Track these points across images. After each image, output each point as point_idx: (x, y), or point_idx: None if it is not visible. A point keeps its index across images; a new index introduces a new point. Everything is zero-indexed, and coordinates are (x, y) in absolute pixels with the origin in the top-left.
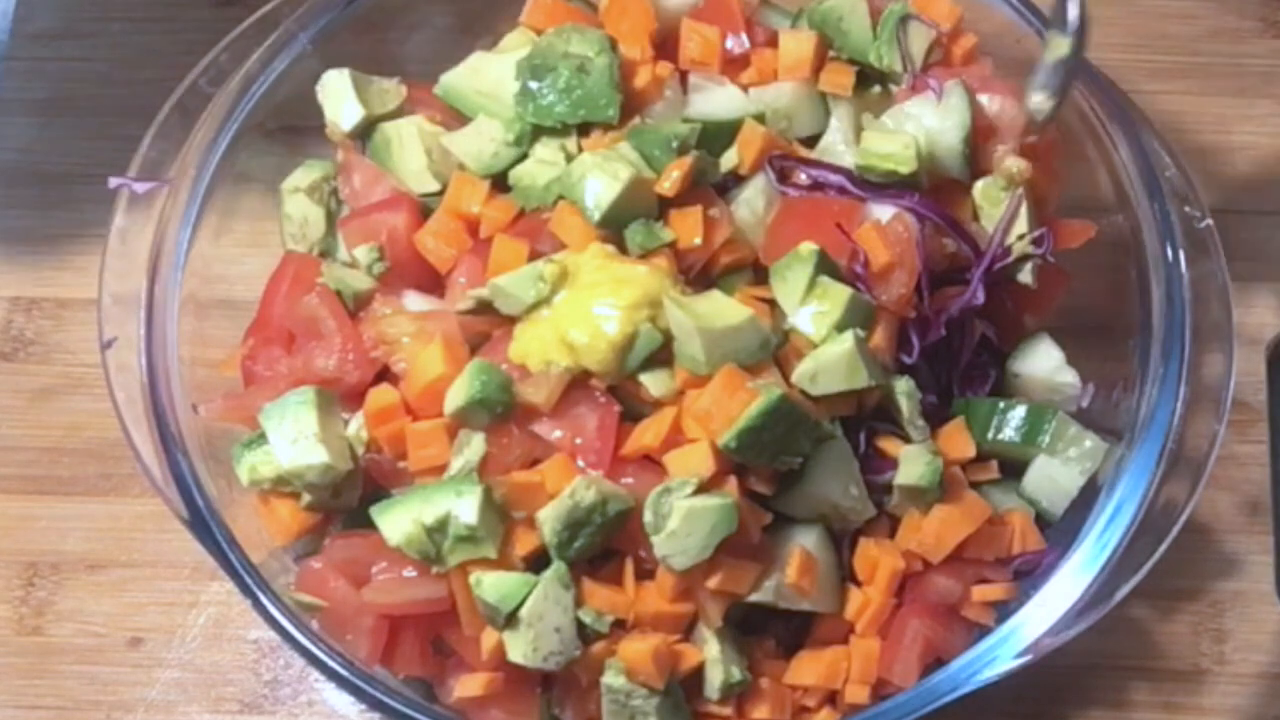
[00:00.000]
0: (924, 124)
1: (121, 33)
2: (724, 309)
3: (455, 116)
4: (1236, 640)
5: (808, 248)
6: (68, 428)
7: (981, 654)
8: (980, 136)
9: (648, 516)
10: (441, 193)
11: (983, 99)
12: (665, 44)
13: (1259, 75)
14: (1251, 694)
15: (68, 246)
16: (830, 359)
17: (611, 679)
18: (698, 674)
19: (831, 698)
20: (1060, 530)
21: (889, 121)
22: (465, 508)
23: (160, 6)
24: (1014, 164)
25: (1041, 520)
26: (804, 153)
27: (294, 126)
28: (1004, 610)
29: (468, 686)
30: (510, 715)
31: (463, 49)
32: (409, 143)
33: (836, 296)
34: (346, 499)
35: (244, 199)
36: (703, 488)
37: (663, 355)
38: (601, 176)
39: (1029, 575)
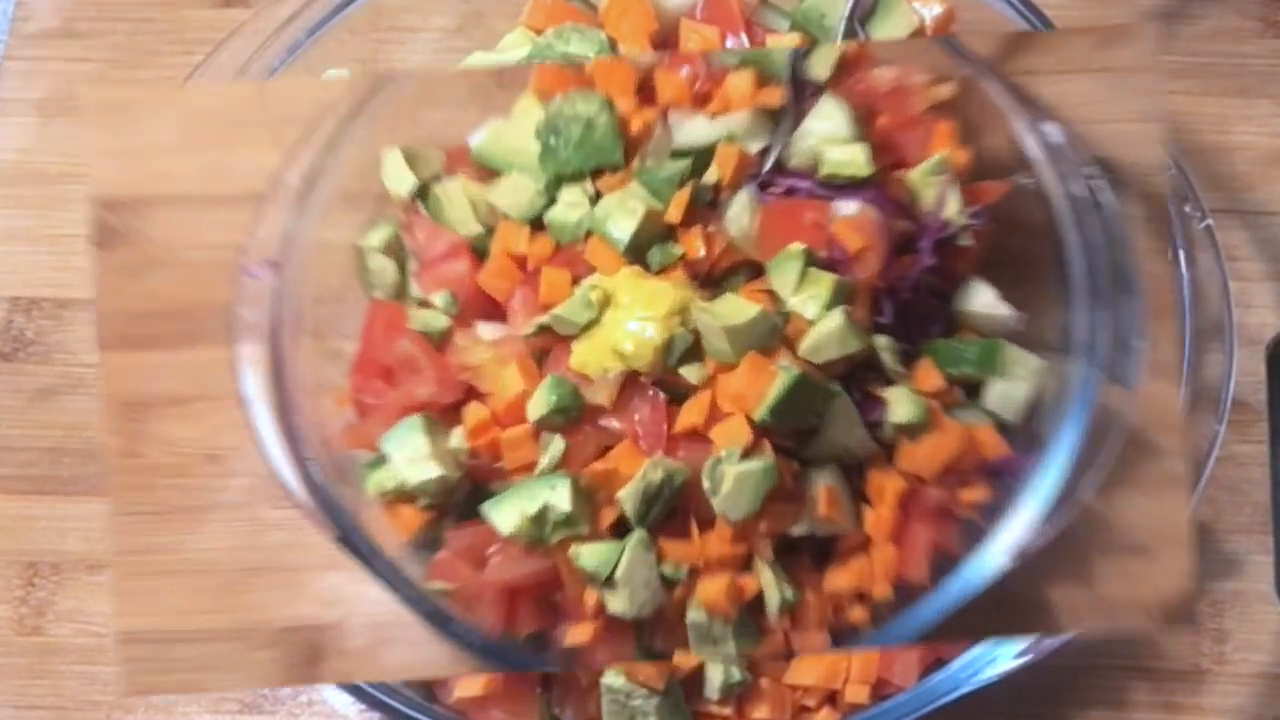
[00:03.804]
0: (820, 133)
1: (121, 33)
2: (739, 307)
3: (489, 172)
4: (1236, 640)
5: (796, 247)
6: (68, 428)
7: (981, 654)
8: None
9: (706, 483)
10: (489, 234)
11: (884, 70)
12: (665, 43)
13: (1259, 75)
14: (1251, 694)
15: (68, 246)
16: (826, 333)
17: (611, 679)
18: (698, 674)
19: (831, 698)
20: (1024, 441)
21: (794, 144)
22: (560, 498)
23: (160, 6)
24: (942, 89)
25: (1005, 431)
26: None
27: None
28: (992, 512)
29: (467, 687)
30: (510, 715)
31: (462, 49)
32: (456, 200)
33: (824, 282)
34: (456, 497)
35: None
36: (745, 453)
37: (695, 350)
38: (622, 213)
39: (1003, 478)
